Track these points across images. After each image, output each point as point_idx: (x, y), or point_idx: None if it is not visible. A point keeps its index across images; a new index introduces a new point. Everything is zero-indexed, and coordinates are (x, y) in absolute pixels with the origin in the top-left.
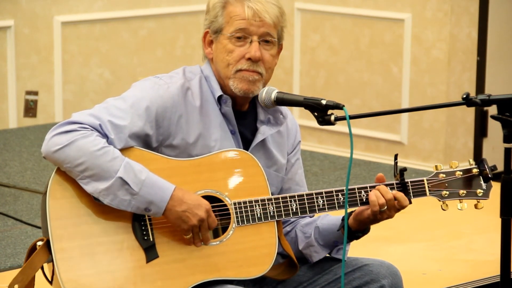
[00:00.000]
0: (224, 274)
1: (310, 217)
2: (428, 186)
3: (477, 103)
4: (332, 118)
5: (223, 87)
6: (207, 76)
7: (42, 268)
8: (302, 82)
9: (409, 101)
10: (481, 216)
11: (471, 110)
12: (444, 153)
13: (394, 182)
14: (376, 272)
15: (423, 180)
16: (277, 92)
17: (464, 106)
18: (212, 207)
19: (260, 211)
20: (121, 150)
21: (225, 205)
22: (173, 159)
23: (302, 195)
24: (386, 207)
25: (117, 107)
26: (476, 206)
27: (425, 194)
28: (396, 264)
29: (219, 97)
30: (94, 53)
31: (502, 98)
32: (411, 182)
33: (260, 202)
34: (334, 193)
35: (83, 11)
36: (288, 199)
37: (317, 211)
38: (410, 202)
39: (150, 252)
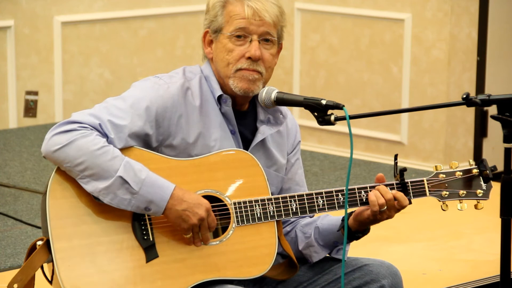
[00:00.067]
0: (224, 274)
1: (310, 217)
2: (428, 186)
3: (477, 103)
4: (332, 118)
5: (223, 86)
6: (207, 76)
7: (42, 268)
8: (302, 82)
9: (409, 101)
10: (481, 216)
11: (471, 110)
12: (444, 153)
13: (394, 182)
14: (376, 272)
15: (423, 180)
16: (277, 92)
17: (464, 106)
18: (212, 207)
19: (260, 211)
20: (121, 149)
21: (225, 205)
22: (173, 159)
23: (302, 195)
24: (386, 207)
25: (117, 106)
26: (476, 207)
27: (425, 195)
28: (396, 264)
29: (219, 97)
30: (94, 53)
31: (502, 98)
32: (411, 182)
33: (260, 202)
34: (334, 193)
35: (83, 11)
36: (288, 199)
37: (317, 211)
38: (410, 203)
39: (150, 252)
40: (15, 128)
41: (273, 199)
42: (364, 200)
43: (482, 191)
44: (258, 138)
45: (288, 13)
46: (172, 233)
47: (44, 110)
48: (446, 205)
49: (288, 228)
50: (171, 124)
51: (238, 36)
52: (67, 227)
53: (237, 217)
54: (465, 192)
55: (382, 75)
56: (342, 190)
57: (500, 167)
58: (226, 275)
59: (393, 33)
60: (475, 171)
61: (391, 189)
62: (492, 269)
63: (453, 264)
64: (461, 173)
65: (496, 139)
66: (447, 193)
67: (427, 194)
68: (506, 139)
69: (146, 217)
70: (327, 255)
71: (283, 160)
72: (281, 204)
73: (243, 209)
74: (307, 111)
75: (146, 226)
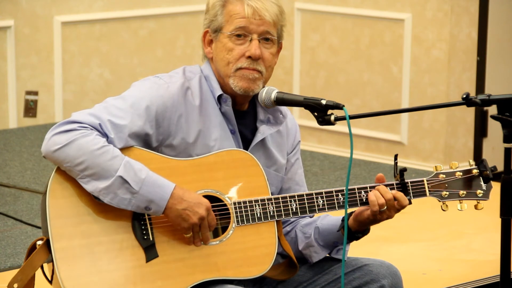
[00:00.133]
0: (224, 273)
1: (310, 217)
2: (428, 187)
3: (477, 103)
4: (332, 118)
5: (223, 86)
6: (207, 75)
7: (42, 268)
8: (302, 82)
9: (409, 101)
10: (481, 216)
11: (471, 110)
12: (444, 153)
13: (394, 182)
14: (376, 272)
15: (423, 181)
16: (277, 92)
17: (464, 106)
18: (212, 206)
19: (260, 211)
20: (121, 149)
21: (225, 205)
22: (173, 159)
23: (302, 195)
24: (385, 207)
25: (117, 106)
26: (476, 207)
27: (425, 195)
28: (396, 264)
29: (219, 96)
30: (94, 53)
31: (502, 98)
32: (411, 182)
33: (260, 202)
34: (334, 193)
35: (83, 11)
36: (288, 199)
37: (317, 211)
38: (410, 203)
39: (150, 252)
40: (15, 128)
41: (273, 199)
42: (364, 200)
43: (482, 192)
44: (258, 137)
45: (288, 13)
46: (172, 232)
47: (44, 110)
48: (446, 206)
49: (288, 228)
50: (171, 124)
51: (238, 35)
52: (67, 226)
53: (237, 217)
54: (465, 192)
55: (382, 75)
56: (342, 190)
57: (500, 167)
58: (226, 275)
59: (393, 33)
60: (475, 171)
61: (391, 189)
62: (492, 269)
63: (453, 264)
64: (461, 174)
65: (496, 139)
66: (447, 193)
67: (427, 194)
68: (506, 139)
69: (146, 216)
70: (327, 255)
71: (283, 160)
72: (281, 204)
73: (243, 209)
74: (307, 111)
75: (146, 226)
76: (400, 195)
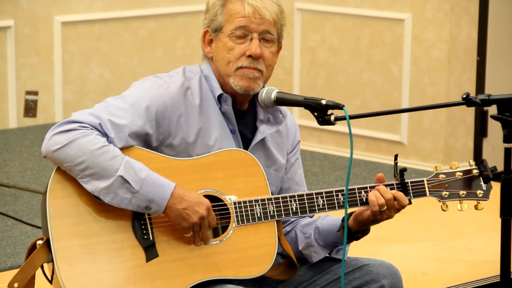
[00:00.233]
0: (224, 273)
1: (310, 217)
2: (428, 187)
3: (477, 103)
4: (332, 118)
5: (223, 86)
6: (207, 75)
7: (42, 268)
8: (302, 82)
9: (409, 101)
10: (481, 216)
11: (471, 110)
12: (444, 153)
13: (394, 182)
14: (376, 272)
15: (423, 181)
16: (277, 92)
17: (464, 106)
18: (212, 206)
19: (260, 210)
20: (121, 149)
21: (225, 205)
22: (173, 159)
23: (302, 195)
24: (385, 207)
25: (117, 106)
26: (476, 207)
27: (425, 195)
28: (396, 264)
29: (219, 96)
30: (94, 53)
31: (502, 98)
32: (411, 182)
33: (260, 202)
34: (334, 193)
35: (83, 11)
36: (288, 199)
37: (317, 211)
38: (410, 203)
39: (150, 251)
40: (15, 128)
41: (273, 199)
42: (364, 200)
43: (482, 192)
44: (258, 137)
45: (288, 13)
46: (172, 232)
47: (44, 110)
48: (446, 206)
49: (288, 228)
50: (171, 124)
51: (239, 35)
52: (67, 226)
53: (237, 216)
54: (465, 192)
55: (382, 75)
56: (342, 190)
57: (500, 167)
58: (226, 275)
59: (393, 33)
60: (475, 171)
61: (391, 189)
62: (492, 269)
63: (453, 264)
64: (461, 174)
65: (496, 139)
66: (447, 193)
67: (427, 194)
68: (506, 139)
69: (146, 216)
70: (327, 255)
71: (282, 159)
72: (281, 204)
73: (243, 209)
74: (307, 111)
75: (146, 226)
76: (400, 195)
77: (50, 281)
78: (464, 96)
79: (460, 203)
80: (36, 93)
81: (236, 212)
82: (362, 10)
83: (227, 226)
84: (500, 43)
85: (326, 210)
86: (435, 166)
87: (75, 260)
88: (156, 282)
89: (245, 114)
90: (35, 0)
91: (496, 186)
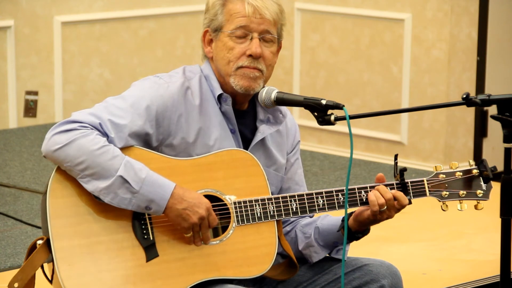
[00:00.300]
0: (224, 273)
1: (310, 217)
2: (428, 187)
3: (477, 103)
4: (332, 118)
5: (223, 85)
6: (207, 75)
7: (42, 268)
8: (302, 82)
9: (409, 101)
10: (481, 216)
11: (471, 110)
12: (444, 153)
13: (394, 182)
14: (376, 272)
15: (423, 181)
16: (277, 92)
17: (464, 106)
18: (212, 206)
19: (260, 210)
20: (121, 149)
21: (225, 205)
22: (173, 159)
23: (302, 195)
24: (385, 207)
25: (117, 106)
26: (476, 207)
27: (425, 195)
28: (396, 264)
29: (219, 96)
30: (94, 53)
31: (502, 98)
32: (411, 182)
33: (260, 202)
34: (334, 193)
35: (83, 11)
36: (288, 198)
37: (317, 211)
38: (410, 203)
39: (150, 251)
40: (15, 128)
41: (273, 199)
42: (364, 200)
43: (482, 192)
44: (258, 137)
45: (288, 13)
46: (172, 232)
47: (44, 110)
48: (446, 206)
49: (288, 228)
50: (171, 124)
51: (239, 34)
52: (67, 226)
53: (237, 216)
54: (465, 192)
55: (382, 75)
56: (342, 190)
57: (500, 167)
58: (226, 275)
59: (393, 33)
60: (475, 171)
61: (391, 189)
62: (492, 269)
63: (453, 264)
64: (461, 174)
65: (496, 139)
66: (447, 193)
67: (427, 194)
68: (506, 139)
69: (146, 216)
70: (327, 255)
71: (282, 159)
72: (281, 204)
73: (243, 209)
74: (307, 111)
75: (146, 225)
76: (400, 194)
77: (50, 281)
78: (464, 96)
79: (460, 203)
80: (36, 93)
81: (236, 212)
82: (362, 10)
83: (227, 226)
84: (500, 43)
85: (326, 210)
86: (435, 166)
87: (75, 260)
88: (156, 282)
89: (245, 114)
90: (35, 0)
91: (496, 186)
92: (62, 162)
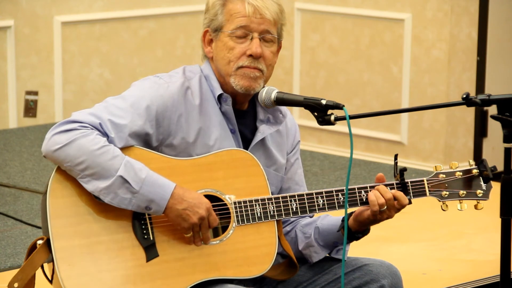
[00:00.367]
0: (224, 273)
1: (310, 217)
2: (428, 186)
3: (477, 103)
4: (332, 118)
5: (223, 85)
6: (207, 75)
7: (42, 268)
8: (302, 82)
9: (409, 101)
10: (481, 216)
11: (471, 110)
12: (444, 153)
13: (394, 182)
14: (376, 272)
15: (423, 180)
16: (277, 92)
17: (464, 106)
18: (212, 206)
19: (260, 210)
20: (121, 149)
21: (225, 205)
22: (173, 159)
23: (302, 195)
24: (385, 207)
25: (117, 106)
26: (476, 207)
27: (425, 194)
28: (396, 264)
29: (219, 96)
30: (94, 53)
31: (502, 98)
32: (411, 182)
33: (260, 202)
34: (334, 193)
35: (83, 11)
36: (288, 198)
37: (317, 211)
38: (410, 202)
39: (150, 251)
40: (15, 128)
41: (273, 199)
42: (364, 200)
43: (482, 191)
44: (258, 137)
45: (288, 13)
46: (172, 232)
47: (44, 110)
48: (446, 205)
49: (288, 228)
50: (171, 124)
51: (239, 34)
52: (67, 226)
53: (237, 216)
54: (465, 192)
55: (382, 75)
56: (342, 190)
57: (500, 167)
58: (226, 275)
59: (393, 33)
60: (475, 171)
61: (391, 189)
62: (492, 269)
63: (453, 264)
64: (461, 173)
65: (496, 139)
66: (447, 193)
67: (427, 194)
68: (506, 139)
69: (146, 216)
70: (327, 255)
71: (282, 159)
72: (281, 204)
73: (243, 209)
74: (307, 111)
75: (146, 225)
76: (400, 194)
77: (50, 281)
78: (464, 96)
79: (460, 203)
80: (36, 93)
81: (236, 212)
82: (362, 10)
83: (227, 226)
84: (500, 43)
85: (326, 210)
86: (435, 166)
87: (75, 260)
88: (156, 282)
89: (245, 114)
90: (35, 0)
91: (496, 186)
92: (62, 162)
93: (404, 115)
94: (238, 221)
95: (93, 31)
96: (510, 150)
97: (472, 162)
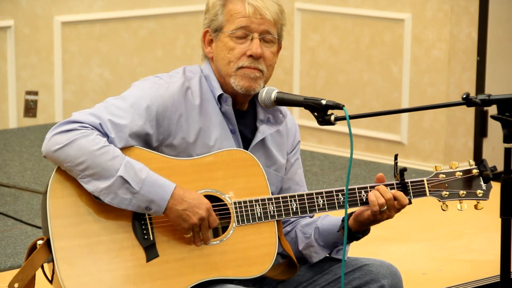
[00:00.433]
0: (224, 273)
1: (310, 217)
2: (428, 187)
3: (477, 103)
4: (332, 118)
5: (223, 86)
6: (207, 75)
7: (43, 268)
8: (302, 82)
9: (409, 101)
10: (481, 216)
11: (471, 110)
12: (444, 153)
13: (394, 182)
14: (376, 272)
15: (423, 181)
16: (277, 92)
17: (464, 106)
18: (212, 206)
19: (260, 210)
20: (122, 149)
21: (225, 205)
22: (173, 159)
23: (302, 195)
24: (385, 207)
25: (117, 106)
26: (476, 207)
27: (425, 195)
28: (396, 264)
29: (220, 96)
30: (94, 53)
31: (502, 98)
32: (411, 182)
33: (260, 202)
34: (334, 193)
35: (83, 11)
36: (288, 198)
37: (317, 211)
38: (410, 202)
39: (150, 251)
40: (15, 128)
41: (273, 199)
42: (364, 200)
43: (482, 191)
44: (258, 137)
45: (288, 13)
46: (172, 232)
47: (44, 110)
48: (446, 205)
49: (288, 228)
50: (171, 124)
51: (239, 35)
52: (68, 226)
53: (237, 216)
54: (465, 192)
55: (382, 75)
56: (342, 190)
57: (500, 167)
58: (226, 275)
59: (393, 33)
60: (475, 171)
61: (391, 189)
62: (492, 269)
63: (453, 264)
64: (461, 173)
65: (496, 139)
66: (447, 193)
67: (427, 194)
68: (506, 139)
69: (147, 216)
70: (327, 255)
71: (282, 160)
72: (281, 204)
73: (243, 209)
74: (307, 111)
75: (146, 226)
76: (400, 194)
77: (50, 281)
78: (464, 96)
79: (460, 203)
80: (36, 93)
81: (236, 212)
82: (362, 10)
83: (227, 226)
84: (500, 43)
85: (326, 210)
86: (435, 166)
87: (76, 260)
88: (157, 282)
89: (245, 114)
90: (35, 0)
91: (496, 186)
92: (62, 162)
93: (404, 115)
94: (238, 221)
95: (93, 31)
96: (510, 150)
97: (472, 162)
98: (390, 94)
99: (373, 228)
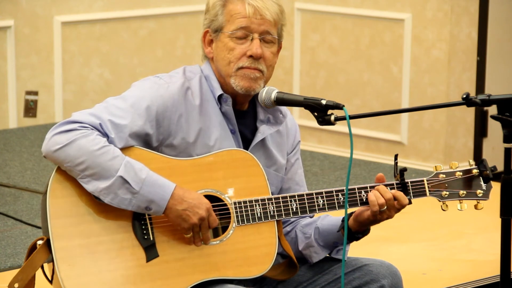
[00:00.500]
0: (224, 273)
1: (310, 217)
2: (428, 187)
3: (477, 103)
4: (332, 118)
5: (223, 86)
6: (207, 75)
7: (42, 268)
8: (302, 82)
9: (409, 101)
10: (481, 216)
11: (471, 110)
12: (444, 153)
13: (394, 182)
14: (376, 272)
15: (423, 181)
16: (277, 92)
17: (464, 106)
18: (212, 206)
19: (260, 210)
20: (122, 149)
21: (225, 205)
22: (173, 159)
23: (302, 195)
24: (385, 207)
25: (117, 106)
26: (476, 207)
27: (425, 195)
28: (396, 264)
29: (220, 96)
30: (94, 53)
31: (502, 98)
32: (411, 182)
33: (260, 202)
34: (334, 193)
35: (83, 11)
36: (288, 199)
37: (317, 211)
38: (410, 202)
39: (150, 251)
40: (15, 128)
41: (273, 199)
42: (364, 200)
43: (482, 191)
44: (258, 137)
45: (288, 13)
46: (172, 232)
47: (44, 110)
48: (446, 205)
49: (288, 228)
50: (171, 124)
51: (239, 35)
52: (68, 226)
53: (237, 216)
54: (465, 192)
55: (382, 75)
56: (342, 190)
57: (500, 167)
58: (226, 275)
59: (393, 33)
60: (475, 171)
61: (391, 189)
62: (492, 269)
63: (453, 264)
64: (461, 173)
65: (496, 139)
66: (447, 193)
67: (427, 194)
68: (506, 139)
69: (147, 216)
70: (327, 255)
71: (283, 160)
72: (281, 204)
73: (243, 209)
74: (307, 111)
75: (146, 226)
76: (399, 194)
77: (50, 281)
78: (464, 96)
79: (460, 202)
80: (36, 93)
81: (236, 212)
82: (362, 10)
83: (227, 226)
84: (500, 43)
85: (326, 210)
86: (435, 166)
87: (76, 260)
88: (156, 282)
89: (245, 114)
90: (35, 0)
91: (496, 186)
92: (62, 162)
93: (404, 115)
94: (238, 221)
95: (93, 31)
96: (510, 150)
97: (472, 162)
98: (390, 94)
99: (373, 228)
